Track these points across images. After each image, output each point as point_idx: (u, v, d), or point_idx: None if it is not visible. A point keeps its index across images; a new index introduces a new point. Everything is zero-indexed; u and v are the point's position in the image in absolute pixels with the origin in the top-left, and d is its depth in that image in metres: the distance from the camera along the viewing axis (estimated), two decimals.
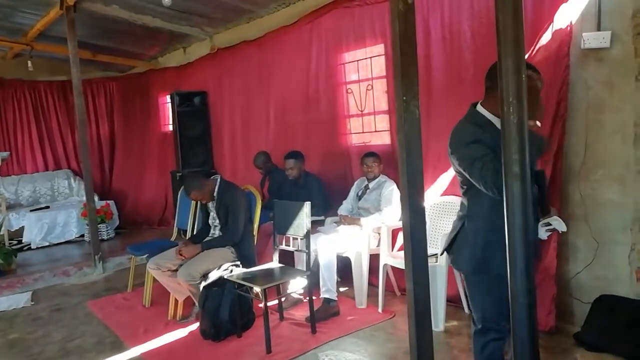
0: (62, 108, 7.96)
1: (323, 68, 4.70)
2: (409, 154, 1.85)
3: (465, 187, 2.10)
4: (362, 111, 4.46)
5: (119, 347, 3.33)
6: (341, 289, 4.00)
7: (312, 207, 3.54)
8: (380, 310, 3.58)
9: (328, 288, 3.55)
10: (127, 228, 7.18)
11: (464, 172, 2.01)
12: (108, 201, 6.93)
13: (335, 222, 4.10)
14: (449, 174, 3.57)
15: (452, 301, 3.45)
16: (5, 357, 3.31)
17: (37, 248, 6.29)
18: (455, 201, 3.54)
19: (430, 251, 2.38)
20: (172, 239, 4.55)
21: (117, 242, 6.51)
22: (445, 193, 3.63)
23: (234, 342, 3.27)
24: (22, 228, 6.42)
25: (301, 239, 3.47)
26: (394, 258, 3.56)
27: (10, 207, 6.64)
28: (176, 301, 3.74)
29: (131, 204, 7.74)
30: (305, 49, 4.82)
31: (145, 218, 7.46)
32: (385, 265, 3.60)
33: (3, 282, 4.85)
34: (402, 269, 3.42)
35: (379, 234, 3.76)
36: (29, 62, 6.78)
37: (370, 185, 3.97)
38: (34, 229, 6.34)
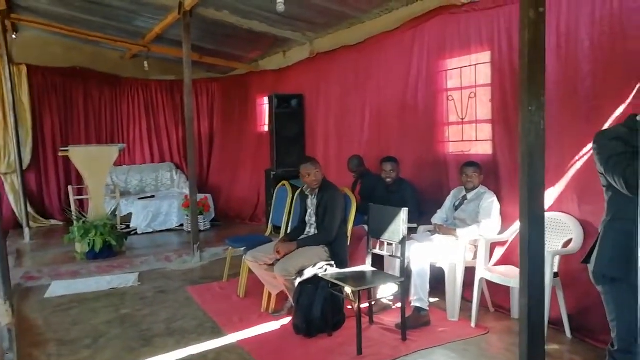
0: (169, 106, 8.62)
1: (423, 74, 4.66)
2: (532, 165, 1.81)
3: (605, 187, 1.97)
4: (462, 119, 4.37)
5: (217, 333, 3.54)
6: (431, 300, 3.93)
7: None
8: (473, 325, 3.48)
9: (420, 297, 3.52)
10: (221, 221, 7.60)
11: (602, 171, 1.90)
12: (206, 194, 7.37)
13: (429, 231, 4.05)
14: (557, 189, 3.39)
15: (554, 324, 3.27)
16: (119, 330, 3.65)
17: (143, 233, 6.85)
18: (562, 218, 3.36)
19: None
20: (267, 234, 4.74)
21: (212, 233, 6.91)
22: (551, 209, 3.45)
23: (325, 339, 3.34)
24: (130, 214, 7.01)
25: (396, 244, 3.47)
26: (491, 272, 3.45)
27: (121, 195, 7.28)
28: (269, 294, 3.89)
29: (225, 198, 8.17)
30: (406, 54, 4.81)
31: (238, 213, 7.84)
32: (481, 279, 3.50)
33: (115, 262, 5.34)
34: (499, 285, 3.35)
35: (476, 246, 3.66)
36: (145, 62, 7.42)
37: (469, 195, 3.87)
38: (141, 216, 6.92)
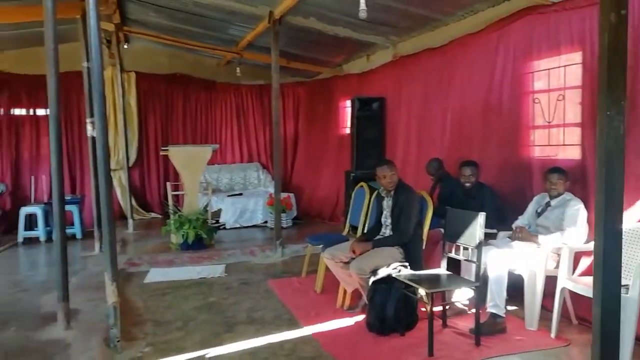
0: (257, 109, 9.11)
1: (508, 76, 4.54)
2: (610, 171, 1.77)
3: None
4: (549, 122, 4.20)
5: (294, 324, 3.74)
6: (509, 307, 3.83)
7: (485, 218, 3.47)
8: (553, 335, 3.35)
9: (496, 303, 3.45)
10: (302, 219, 7.88)
11: None
12: (289, 193, 7.69)
13: (508, 237, 3.94)
14: None
15: None
16: (207, 316, 3.97)
17: (231, 228, 7.32)
18: None
19: (622, 281, 2.18)
20: (344, 233, 4.89)
21: (294, 231, 7.21)
22: None
23: (397, 339, 3.39)
24: (219, 210, 7.52)
25: (472, 249, 3.44)
26: (575, 283, 3.29)
27: (212, 192, 7.82)
28: (345, 291, 4.02)
29: (307, 198, 8.45)
30: (490, 56, 4.72)
31: (318, 212, 8.09)
32: (563, 289, 3.36)
33: (205, 253, 5.78)
34: (583, 296, 3.19)
35: (558, 255, 3.51)
36: (238, 68, 7.91)
37: (553, 202, 3.72)
38: (229, 212, 7.40)
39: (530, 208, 3.93)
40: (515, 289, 3.71)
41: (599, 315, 1.80)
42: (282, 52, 6.79)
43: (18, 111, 7.93)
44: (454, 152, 5.18)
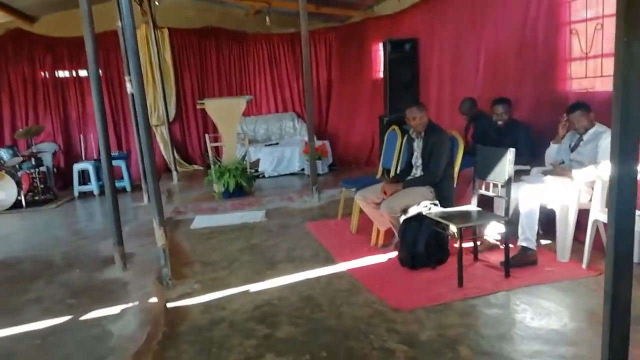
0: (289, 58, 9.09)
1: (544, 7, 4.36)
2: (625, 99, 1.77)
3: None
4: (586, 54, 4.05)
5: (330, 261, 3.95)
6: (542, 242, 3.90)
7: (518, 155, 3.48)
8: (584, 266, 3.41)
9: (527, 237, 3.52)
10: (338, 166, 8.02)
11: None
12: (324, 141, 7.80)
13: (542, 172, 3.94)
14: None
15: None
16: (249, 256, 4.25)
17: (269, 177, 7.56)
18: None
19: None
20: (377, 176, 4.99)
21: (329, 177, 7.37)
22: None
23: (428, 272, 3.55)
24: (257, 160, 7.74)
25: (502, 185, 3.48)
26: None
27: (249, 142, 8.03)
28: (378, 231, 4.18)
29: (342, 144, 8.53)
30: None
31: (354, 158, 8.18)
32: (595, 221, 3.37)
33: (245, 200, 6.05)
34: None
35: (592, 188, 3.50)
36: (267, 17, 7.87)
37: (585, 137, 3.66)
38: (267, 161, 7.62)
39: (564, 143, 3.89)
40: (549, 224, 3.76)
41: (613, 235, 1.86)
42: None
43: (62, 73, 8.27)
44: (488, 90, 5.09)
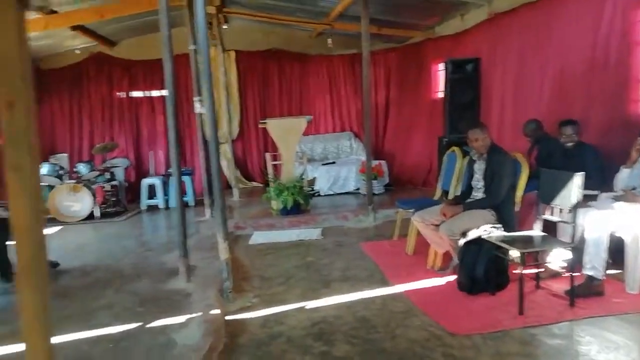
0: (349, 78, 9.23)
1: (617, 27, 4.22)
2: None
3: None
4: None
5: (385, 283, 3.95)
6: (610, 272, 3.69)
7: (586, 179, 3.35)
8: None
9: (593, 265, 3.35)
10: (394, 186, 8.00)
11: None
12: (381, 161, 7.81)
13: (612, 198, 3.76)
14: None
15: None
16: (305, 273, 4.33)
17: (325, 195, 7.67)
18: None
19: None
20: (436, 198, 4.95)
21: (385, 197, 7.36)
22: None
23: (487, 298, 3.46)
24: (314, 178, 7.87)
25: (568, 211, 3.36)
26: None
27: (307, 161, 8.19)
28: (435, 253, 4.13)
29: (398, 164, 8.50)
30: (595, 6, 4.40)
31: (410, 178, 8.13)
32: None
33: (302, 218, 6.17)
34: None
35: None
36: (329, 39, 8.07)
37: None
38: (323, 179, 7.73)
39: (637, 168, 3.70)
40: (618, 252, 3.56)
41: None
42: (372, 19, 6.80)
43: (136, 93, 8.87)
44: (553, 112, 4.94)
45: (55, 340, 1.48)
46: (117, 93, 8.75)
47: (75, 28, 6.90)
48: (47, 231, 5.54)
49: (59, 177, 7.00)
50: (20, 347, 3.16)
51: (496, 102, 6.18)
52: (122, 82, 8.74)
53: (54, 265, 4.71)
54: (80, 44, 8.12)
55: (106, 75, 8.66)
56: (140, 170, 8.73)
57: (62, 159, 7.96)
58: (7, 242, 4.38)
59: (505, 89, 5.96)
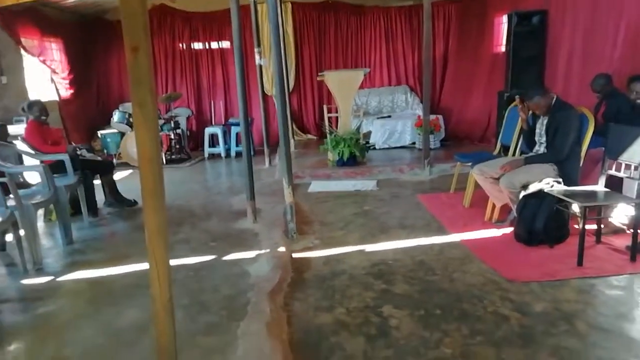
0: (406, 31, 9.06)
1: None
2: None
3: None
4: None
5: (442, 231, 4.08)
6: None
7: None
8: None
9: None
10: (450, 141, 7.96)
11: None
12: (437, 115, 7.76)
13: None
14: None
15: None
16: (363, 220, 4.52)
17: (380, 149, 7.75)
18: None
19: None
20: (495, 152, 4.95)
21: (441, 151, 7.36)
22: None
23: (545, 250, 3.53)
24: (369, 132, 7.95)
25: (635, 167, 3.32)
26: None
27: (363, 114, 8.25)
28: (494, 206, 4.20)
29: (456, 119, 8.40)
30: None
31: (467, 134, 8.04)
32: None
33: (358, 169, 6.33)
34: None
35: None
36: None
37: None
38: (378, 133, 7.79)
39: None
40: None
41: None
42: None
43: (196, 45, 9.10)
44: (626, 66, 4.73)
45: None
46: (179, 44, 9.01)
47: None
48: (121, 174, 6.02)
49: (129, 124, 7.42)
50: (117, 269, 3.57)
51: (563, 56, 5.95)
52: (184, 34, 8.97)
53: (133, 203, 5.14)
54: None
55: (169, 26, 8.90)
56: (200, 119, 9.08)
57: (130, 107, 8.39)
58: (93, 182, 4.83)
59: (574, 42, 5.71)
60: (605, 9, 5.11)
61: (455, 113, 8.47)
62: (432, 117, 7.45)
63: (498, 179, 3.95)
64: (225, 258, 3.62)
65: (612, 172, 3.56)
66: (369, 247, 3.80)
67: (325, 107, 7.94)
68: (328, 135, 6.66)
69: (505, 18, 6.82)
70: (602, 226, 3.67)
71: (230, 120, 8.45)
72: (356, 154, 6.39)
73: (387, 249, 3.74)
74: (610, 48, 5.05)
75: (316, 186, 5.88)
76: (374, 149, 7.76)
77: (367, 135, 7.93)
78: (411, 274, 3.25)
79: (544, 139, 3.93)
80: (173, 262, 3.51)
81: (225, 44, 8.95)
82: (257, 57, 6.62)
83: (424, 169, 6.12)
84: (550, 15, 6.21)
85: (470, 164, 4.61)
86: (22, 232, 3.58)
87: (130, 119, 7.67)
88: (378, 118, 8.11)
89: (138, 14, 1.54)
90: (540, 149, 3.98)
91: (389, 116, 8.25)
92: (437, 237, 3.94)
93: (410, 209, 4.79)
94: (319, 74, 6.91)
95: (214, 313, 2.79)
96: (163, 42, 8.91)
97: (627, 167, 3.42)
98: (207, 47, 9.07)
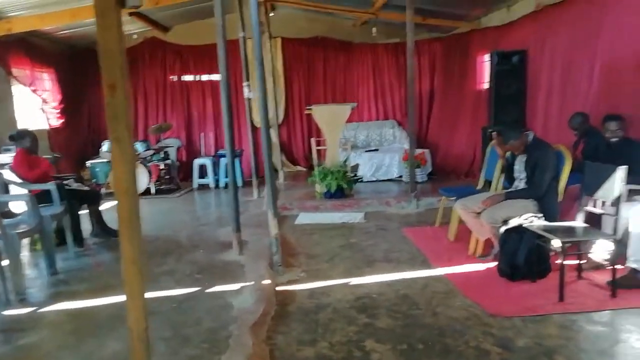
0: (392, 67, 9.32)
1: None
2: None
3: None
4: None
5: (427, 265, 4.12)
6: None
7: (632, 174, 3.40)
8: None
9: (637, 258, 3.41)
10: (437, 175, 8.09)
11: None
12: (424, 150, 7.91)
13: None
14: None
15: None
16: (349, 253, 4.55)
17: (367, 181, 7.85)
18: None
19: None
20: (478, 187, 5.05)
21: (428, 185, 7.47)
22: None
23: (527, 285, 3.57)
24: (357, 165, 8.04)
25: (611, 203, 3.42)
26: None
27: (350, 148, 8.37)
28: (477, 240, 4.26)
29: (442, 154, 8.55)
30: None
31: (453, 168, 8.18)
32: None
33: (345, 202, 6.39)
34: None
35: None
36: (374, 28, 8.17)
37: None
38: (366, 166, 7.91)
39: None
40: None
41: None
42: (417, 9, 6.85)
43: (187, 77, 9.25)
44: (601, 105, 4.92)
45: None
46: (170, 77, 9.15)
47: (132, 14, 7.30)
48: (108, 205, 6.01)
49: None
50: (101, 300, 3.53)
51: (542, 94, 6.17)
52: (175, 66, 9.14)
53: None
54: (136, 28, 8.53)
55: (160, 59, 9.07)
56: (190, 150, 9.15)
57: None
58: (79, 212, 4.82)
59: (552, 81, 5.94)
60: (581, 49, 5.34)
61: (441, 147, 8.63)
62: (419, 151, 7.61)
63: (480, 213, 4.03)
64: (210, 290, 3.61)
65: (590, 208, 3.65)
66: (354, 280, 3.81)
67: (313, 140, 8.04)
68: (316, 168, 6.74)
69: (487, 57, 7.08)
70: (584, 262, 3.74)
71: (220, 151, 8.53)
72: (344, 187, 6.46)
73: (372, 282, 3.76)
74: (587, 86, 5.25)
75: (304, 218, 5.92)
76: (362, 181, 7.83)
77: (355, 168, 8.02)
78: (395, 308, 3.27)
79: (523, 175, 4.04)
80: (157, 294, 3.53)
81: (216, 77, 9.11)
82: (245, 90, 6.75)
83: (411, 202, 6.20)
84: (529, 55, 6.47)
85: (454, 198, 4.69)
86: (6, 262, 3.54)
87: None
88: (366, 151, 8.24)
89: (115, 53, 1.62)
90: (519, 184, 4.08)
91: (377, 150, 8.39)
92: (421, 271, 3.97)
93: (396, 242, 4.83)
94: (307, 107, 7.05)
95: (196, 346, 2.77)
96: (154, 74, 9.06)
97: (604, 203, 3.52)
98: (198, 79, 9.24)
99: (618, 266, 3.40)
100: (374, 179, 7.88)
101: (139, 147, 7.75)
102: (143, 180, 7.38)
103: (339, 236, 5.11)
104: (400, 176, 7.81)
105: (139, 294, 1.79)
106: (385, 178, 7.88)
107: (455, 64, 8.51)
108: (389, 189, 7.32)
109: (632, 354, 2.60)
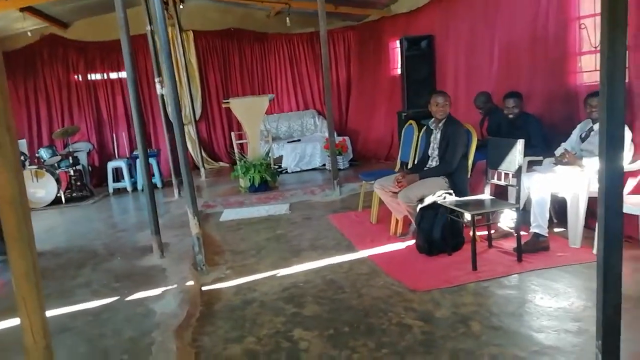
0: (309, 56, 9.35)
1: (554, 2, 4.52)
2: (611, 92, 1.97)
3: None
4: (596, 47, 4.20)
5: (351, 249, 4.20)
6: (556, 230, 4.08)
7: (530, 147, 3.68)
8: (595, 251, 3.57)
9: (539, 223, 3.71)
10: (359, 161, 8.26)
11: None
12: (344, 137, 8.04)
13: (553, 163, 4.11)
14: None
15: None
16: (276, 245, 4.54)
17: (292, 172, 7.85)
18: None
19: None
20: (396, 169, 5.22)
21: (350, 171, 7.62)
22: None
23: (444, 258, 3.77)
24: (280, 156, 8.04)
25: (513, 175, 3.68)
26: None
27: (272, 139, 8.33)
28: (397, 220, 4.41)
29: (362, 140, 8.76)
30: None
31: (374, 153, 8.40)
32: None
33: (270, 194, 6.35)
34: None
35: None
36: (287, 18, 8.14)
37: (596, 127, 3.83)
38: (289, 157, 7.91)
39: (574, 134, 4.06)
40: (562, 212, 3.93)
41: (603, 213, 2.03)
42: None
43: (94, 76, 8.70)
44: (502, 84, 5.26)
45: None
46: (74, 76, 8.57)
47: (24, 9, 6.73)
48: None
49: (21, 163, 6.87)
50: (7, 322, 3.24)
51: (450, 76, 6.48)
52: (79, 65, 8.56)
53: None
54: (30, 25, 7.87)
55: (61, 57, 8.45)
56: (103, 153, 8.64)
57: (21, 144, 7.78)
58: None
59: (458, 63, 6.25)
60: (481, 34, 5.67)
61: (361, 134, 8.83)
62: (339, 138, 7.72)
63: (397, 193, 4.17)
64: (129, 298, 3.44)
65: (495, 181, 3.90)
66: (281, 272, 3.81)
67: (233, 134, 7.91)
68: (238, 162, 6.64)
69: (398, 43, 7.30)
70: (493, 231, 4.00)
71: (135, 152, 8.12)
72: (267, 179, 6.42)
73: (299, 272, 3.77)
74: (488, 67, 5.59)
75: (228, 214, 5.81)
76: (286, 172, 7.85)
77: (279, 159, 8.01)
78: (321, 294, 3.31)
79: (436, 152, 4.22)
80: (71, 308, 3.31)
81: (125, 74, 8.65)
82: (158, 86, 6.47)
83: (334, 189, 6.28)
84: (436, 40, 6.75)
85: (373, 181, 4.81)
86: None
87: (21, 158, 7.12)
88: (288, 142, 8.23)
89: None
90: (432, 163, 4.27)
91: (299, 140, 8.41)
92: (346, 255, 4.05)
93: (322, 230, 4.89)
94: (224, 100, 6.90)
95: (116, 358, 2.64)
96: (56, 73, 8.44)
97: (507, 175, 3.77)
98: (106, 77, 8.72)
99: (523, 233, 3.68)
100: (298, 169, 7.91)
101: (44, 153, 7.18)
102: (51, 189, 6.87)
103: (265, 229, 5.08)
104: (324, 165, 7.89)
105: (36, 310, 1.66)
106: (309, 167, 7.94)
107: (370, 51, 8.71)
108: (313, 178, 7.38)
109: (537, 311, 2.82)
